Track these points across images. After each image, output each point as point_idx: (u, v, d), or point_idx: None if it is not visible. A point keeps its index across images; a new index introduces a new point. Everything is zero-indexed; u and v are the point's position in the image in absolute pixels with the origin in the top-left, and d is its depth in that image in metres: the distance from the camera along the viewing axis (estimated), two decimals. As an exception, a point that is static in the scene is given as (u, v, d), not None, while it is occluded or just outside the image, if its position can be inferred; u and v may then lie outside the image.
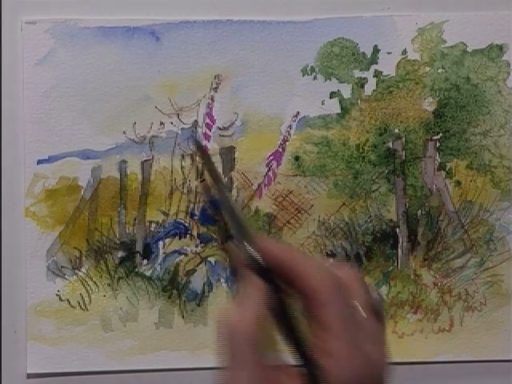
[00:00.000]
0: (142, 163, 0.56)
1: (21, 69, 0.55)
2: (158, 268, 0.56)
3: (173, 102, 0.56)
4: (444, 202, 0.57)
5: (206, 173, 0.54)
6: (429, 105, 0.57)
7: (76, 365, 0.55)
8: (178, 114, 0.56)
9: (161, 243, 0.56)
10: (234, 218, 0.50)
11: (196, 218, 0.56)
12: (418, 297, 0.57)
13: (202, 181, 0.56)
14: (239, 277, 0.53)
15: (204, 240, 0.56)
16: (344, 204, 0.57)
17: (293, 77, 0.56)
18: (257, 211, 0.56)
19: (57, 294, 0.55)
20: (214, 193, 0.51)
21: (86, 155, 0.56)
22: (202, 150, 0.54)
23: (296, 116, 0.56)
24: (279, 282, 0.50)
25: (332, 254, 0.56)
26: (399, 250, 0.57)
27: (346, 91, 0.56)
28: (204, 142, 0.56)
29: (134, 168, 0.56)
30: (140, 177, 0.56)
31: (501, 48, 0.57)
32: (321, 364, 0.47)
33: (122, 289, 0.56)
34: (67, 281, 0.56)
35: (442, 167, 0.57)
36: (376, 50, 0.56)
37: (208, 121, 0.56)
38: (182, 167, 0.56)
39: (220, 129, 0.56)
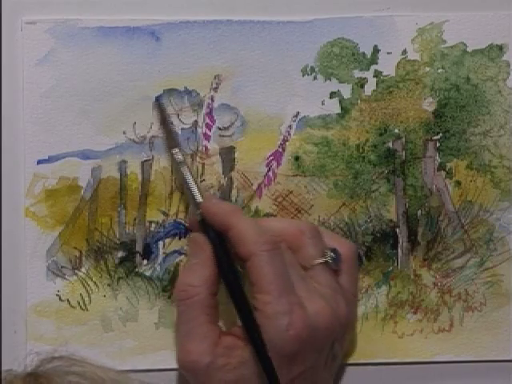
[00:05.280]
0: (142, 163, 0.56)
1: (21, 69, 0.55)
2: (158, 268, 0.56)
3: (173, 102, 0.56)
4: (444, 202, 0.57)
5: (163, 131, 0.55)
6: (429, 105, 0.57)
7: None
8: (178, 114, 0.56)
9: (161, 243, 0.56)
10: (189, 183, 0.52)
11: (196, 218, 0.56)
12: (417, 297, 0.57)
13: (202, 181, 0.56)
14: (190, 241, 0.53)
15: (204, 240, 0.56)
16: (344, 204, 0.57)
17: (293, 77, 0.56)
18: (257, 211, 0.56)
19: (57, 294, 0.55)
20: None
21: (86, 155, 0.56)
22: (162, 109, 0.55)
23: (296, 116, 0.56)
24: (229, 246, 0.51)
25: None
26: (399, 250, 0.57)
27: (346, 91, 0.56)
28: (204, 142, 0.56)
29: (134, 168, 0.56)
30: (140, 177, 0.56)
31: (501, 48, 0.57)
32: (260, 325, 0.48)
33: (121, 289, 0.56)
34: (67, 281, 0.56)
35: (441, 167, 0.57)
36: (376, 50, 0.56)
37: (208, 121, 0.56)
38: (182, 167, 0.56)
39: (220, 129, 0.56)
